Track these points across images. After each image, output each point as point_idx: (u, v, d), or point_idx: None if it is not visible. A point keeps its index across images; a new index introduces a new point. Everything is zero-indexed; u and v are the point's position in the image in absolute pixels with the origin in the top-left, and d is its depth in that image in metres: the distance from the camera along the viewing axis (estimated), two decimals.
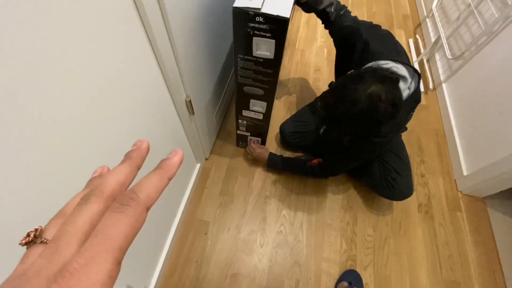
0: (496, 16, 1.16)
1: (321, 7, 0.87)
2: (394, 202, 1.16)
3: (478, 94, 1.22)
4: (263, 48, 0.71)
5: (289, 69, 1.57)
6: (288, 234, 1.06)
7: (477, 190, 1.18)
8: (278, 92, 1.48)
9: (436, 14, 1.61)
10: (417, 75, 0.75)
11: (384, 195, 1.07)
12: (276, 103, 1.43)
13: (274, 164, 1.15)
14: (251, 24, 0.65)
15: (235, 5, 0.62)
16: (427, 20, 1.79)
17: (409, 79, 0.73)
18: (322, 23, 0.96)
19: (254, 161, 1.20)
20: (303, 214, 1.11)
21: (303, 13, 1.87)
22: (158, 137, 0.73)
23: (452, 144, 1.32)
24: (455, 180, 1.25)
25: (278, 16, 0.61)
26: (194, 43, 0.74)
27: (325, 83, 1.51)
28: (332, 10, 0.88)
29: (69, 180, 0.42)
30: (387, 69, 0.69)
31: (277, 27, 0.63)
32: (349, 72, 0.78)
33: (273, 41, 0.68)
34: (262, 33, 0.66)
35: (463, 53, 1.35)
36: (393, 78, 0.65)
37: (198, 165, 1.14)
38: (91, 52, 0.41)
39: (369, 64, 0.75)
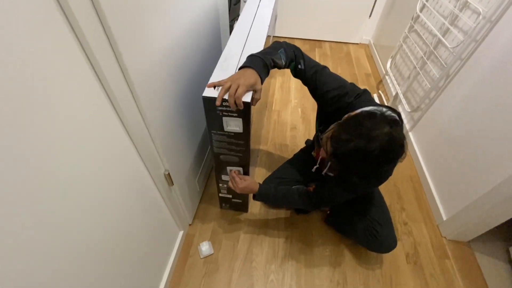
0: (437, 76, 1.35)
1: (282, 63, 0.85)
2: (382, 255, 1.15)
3: (442, 140, 1.34)
4: (232, 124, 0.79)
5: (267, 129, 1.69)
6: None
7: (460, 234, 1.20)
8: (259, 151, 1.56)
9: (391, 74, 1.84)
10: (398, 113, 0.78)
11: (370, 248, 1.07)
12: (258, 161, 1.50)
13: (263, 197, 1.04)
14: (220, 108, 0.74)
15: (204, 94, 0.72)
16: (386, 77, 2.03)
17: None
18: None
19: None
20: (291, 277, 1.08)
21: (277, 79, 2.09)
22: (136, 210, 0.75)
23: (427, 189, 1.38)
24: (437, 225, 1.27)
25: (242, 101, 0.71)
26: (171, 124, 0.83)
27: (302, 140, 1.62)
28: (285, 61, 0.85)
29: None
30: (390, 114, 0.70)
31: (242, 109, 0.73)
32: (354, 113, 0.74)
33: (240, 119, 0.77)
34: (230, 113, 0.76)
35: (418, 106, 1.52)
36: (398, 122, 0.68)
37: (181, 233, 1.13)
38: (71, 142, 0.47)
39: (366, 108, 0.77)
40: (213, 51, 1.16)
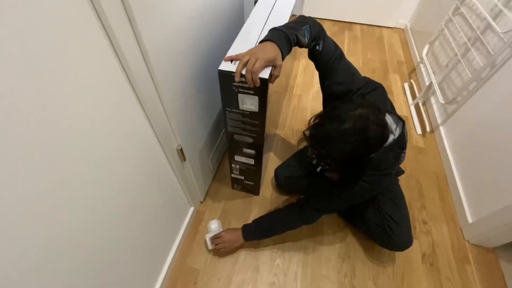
0: (481, 64, 1.20)
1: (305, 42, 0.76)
2: (396, 252, 1.10)
3: (476, 137, 1.22)
4: (248, 103, 0.76)
5: (286, 113, 1.63)
6: (281, 287, 1.01)
7: (486, 239, 1.11)
8: (275, 135, 1.52)
9: (426, 62, 1.69)
10: (402, 122, 0.76)
11: (381, 245, 1.02)
12: (273, 146, 1.47)
13: (252, 235, 1.02)
14: (235, 84, 0.70)
15: (220, 68, 0.69)
16: (421, 65, 1.87)
17: (394, 125, 0.74)
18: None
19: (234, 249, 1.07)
20: (297, 264, 1.06)
21: (301, 61, 1.99)
22: (147, 184, 0.76)
23: (454, 188, 1.28)
24: (460, 228, 1.19)
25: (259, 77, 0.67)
26: (186, 99, 0.81)
27: None
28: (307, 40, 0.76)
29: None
30: (371, 101, 0.72)
31: (259, 86, 0.69)
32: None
33: (256, 97, 0.73)
34: (246, 90, 0.72)
35: (454, 98, 1.38)
36: (379, 107, 0.68)
37: (191, 209, 1.14)
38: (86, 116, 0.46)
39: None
40: (234, 26, 1.10)
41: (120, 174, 0.62)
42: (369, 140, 0.64)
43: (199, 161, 1.05)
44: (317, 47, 0.80)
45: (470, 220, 1.14)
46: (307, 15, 0.80)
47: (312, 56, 0.84)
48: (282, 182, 1.20)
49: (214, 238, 1.03)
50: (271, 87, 0.77)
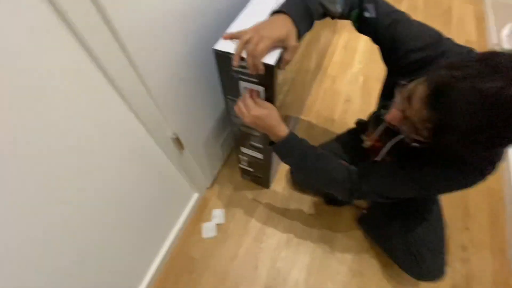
0: None
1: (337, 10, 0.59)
2: None
3: None
4: None
5: (315, 97, 1.43)
6: None
7: None
8: (298, 121, 1.35)
9: (506, 45, 1.31)
10: None
11: (406, 271, 0.86)
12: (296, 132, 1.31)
13: (287, 149, 0.68)
14: (235, 69, 0.56)
15: (215, 47, 0.55)
16: (497, 49, 1.47)
17: None
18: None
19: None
20: (300, 271, 0.97)
21: (342, 35, 1.71)
22: (142, 174, 0.72)
23: (511, 213, 1.03)
24: (509, 262, 0.96)
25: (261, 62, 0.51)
26: (181, 83, 0.69)
27: (354, 117, 1.33)
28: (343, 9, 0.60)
29: None
30: None
31: (263, 74, 0.54)
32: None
33: (262, 88, 0.58)
34: (248, 78, 0.57)
35: None
36: None
37: (195, 195, 1.08)
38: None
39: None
40: None
41: (108, 165, 0.59)
42: None
43: (203, 147, 0.95)
44: (367, 14, 0.59)
45: None
46: None
47: (362, 27, 0.62)
48: (297, 177, 1.07)
49: (254, 96, 0.61)
50: (287, 73, 0.61)
